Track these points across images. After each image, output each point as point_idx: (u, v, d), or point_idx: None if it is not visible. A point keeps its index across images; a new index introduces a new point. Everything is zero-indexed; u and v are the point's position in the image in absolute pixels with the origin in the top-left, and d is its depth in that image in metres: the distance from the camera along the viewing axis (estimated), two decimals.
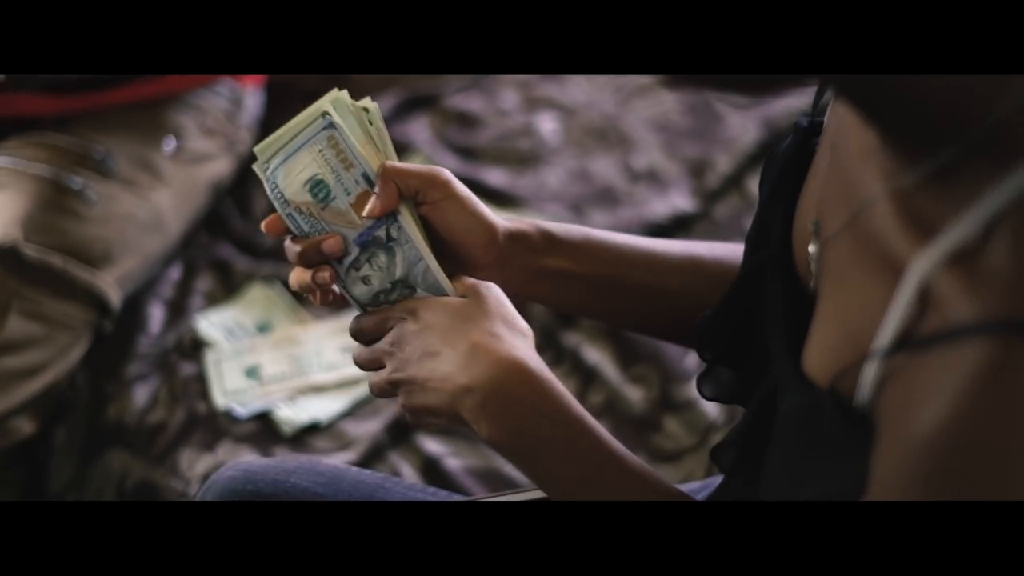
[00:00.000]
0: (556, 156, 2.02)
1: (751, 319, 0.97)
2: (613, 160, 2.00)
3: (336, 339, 1.73)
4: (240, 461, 1.21)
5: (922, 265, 0.72)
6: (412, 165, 0.99)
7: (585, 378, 1.69)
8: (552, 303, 1.09)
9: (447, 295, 0.99)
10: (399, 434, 1.61)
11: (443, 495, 1.14)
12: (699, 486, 1.20)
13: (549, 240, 1.04)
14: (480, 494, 1.32)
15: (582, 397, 1.67)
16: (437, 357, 0.95)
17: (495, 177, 1.98)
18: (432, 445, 1.59)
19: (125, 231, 1.75)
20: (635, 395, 1.65)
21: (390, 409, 1.63)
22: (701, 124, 2.01)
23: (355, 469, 1.18)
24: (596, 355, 1.70)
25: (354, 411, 1.66)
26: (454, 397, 0.94)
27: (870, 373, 0.76)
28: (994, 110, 0.69)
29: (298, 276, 1.01)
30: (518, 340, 0.95)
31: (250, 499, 1.15)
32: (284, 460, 1.19)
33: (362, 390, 1.66)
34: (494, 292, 0.98)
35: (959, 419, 0.67)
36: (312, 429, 1.63)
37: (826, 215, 0.87)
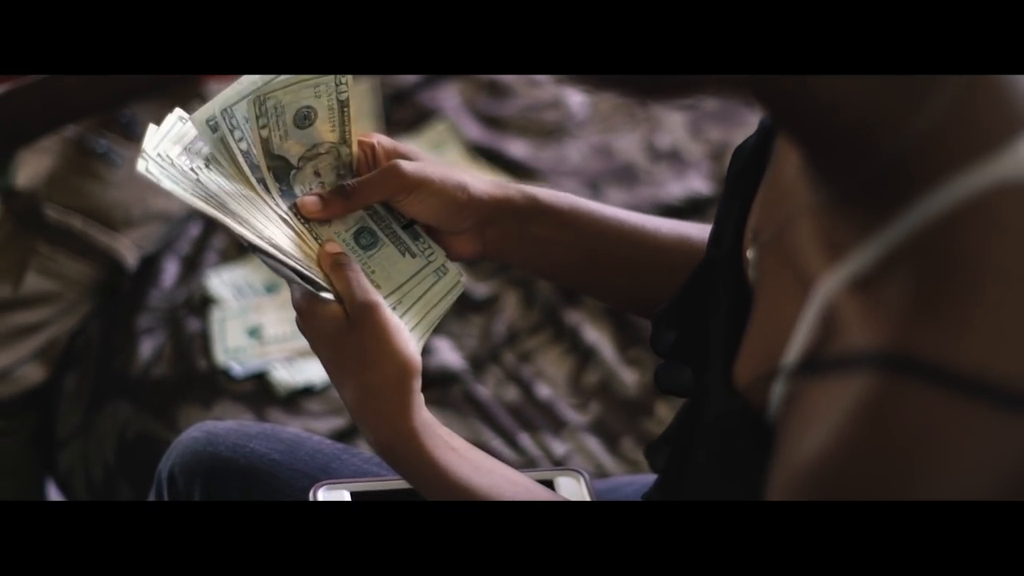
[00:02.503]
0: (581, 130, 2.00)
1: (703, 316, 0.96)
2: (637, 137, 1.98)
3: None
4: (207, 423, 1.22)
5: (828, 287, 0.71)
6: (371, 179, 0.99)
7: (582, 358, 1.68)
8: (532, 269, 1.08)
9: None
10: None
11: None
12: None
13: (535, 206, 1.03)
14: None
15: (577, 376, 1.66)
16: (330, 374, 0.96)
17: (517, 148, 1.97)
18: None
19: (146, 195, 1.77)
20: (630, 378, 1.64)
21: None
22: (730, 106, 1.98)
23: (317, 438, 1.19)
24: (595, 335, 1.69)
25: None
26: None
27: (779, 389, 0.75)
28: (904, 133, 0.67)
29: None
30: (390, 400, 0.93)
31: (209, 461, 1.16)
32: (248, 425, 1.20)
33: None
34: (373, 322, 0.92)
35: (837, 450, 0.66)
36: (306, 392, 1.64)
37: (764, 221, 0.86)
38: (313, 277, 0.95)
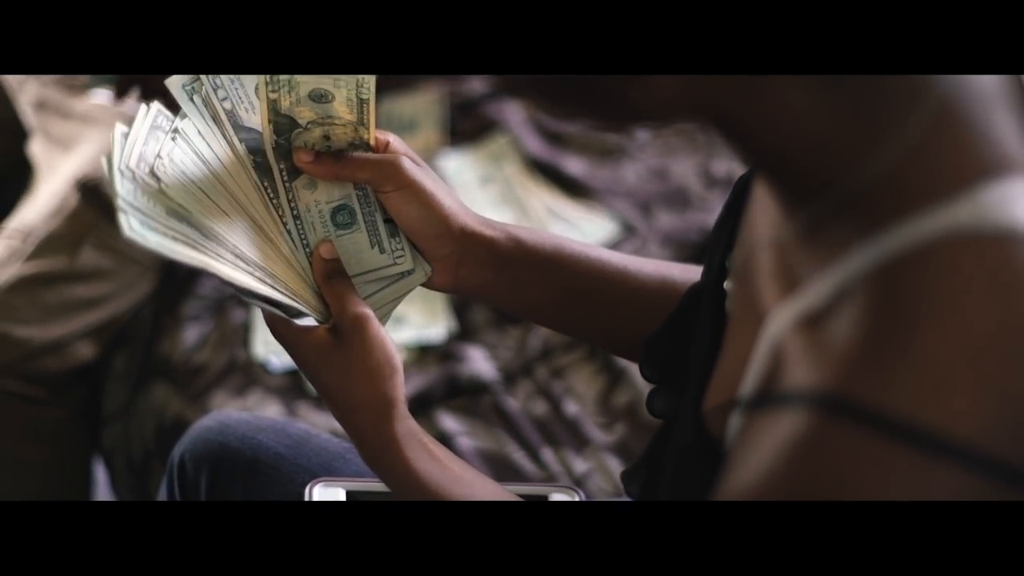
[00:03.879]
0: (641, 151, 2.01)
1: (688, 344, 0.96)
2: (695, 163, 1.98)
3: None
4: (222, 411, 1.25)
5: (779, 321, 0.71)
6: (368, 156, 0.99)
7: (614, 378, 1.68)
8: (507, 308, 1.07)
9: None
10: (420, 406, 1.62)
11: None
12: None
13: (517, 249, 1.02)
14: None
15: (607, 396, 1.66)
16: (313, 385, 0.98)
17: (574, 166, 1.97)
18: (449, 422, 1.61)
19: None
20: None
21: (414, 381, 1.65)
22: None
23: (325, 435, 1.21)
24: None
25: None
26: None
27: (734, 421, 0.75)
28: (859, 170, 0.67)
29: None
30: (375, 411, 0.94)
31: (218, 451, 1.19)
32: (260, 418, 1.23)
33: None
34: (362, 335, 0.94)
35: (764, 488, 0.66)
36: None
37: (741, 252, 0.86)
38: (289, 304, 0.94)
